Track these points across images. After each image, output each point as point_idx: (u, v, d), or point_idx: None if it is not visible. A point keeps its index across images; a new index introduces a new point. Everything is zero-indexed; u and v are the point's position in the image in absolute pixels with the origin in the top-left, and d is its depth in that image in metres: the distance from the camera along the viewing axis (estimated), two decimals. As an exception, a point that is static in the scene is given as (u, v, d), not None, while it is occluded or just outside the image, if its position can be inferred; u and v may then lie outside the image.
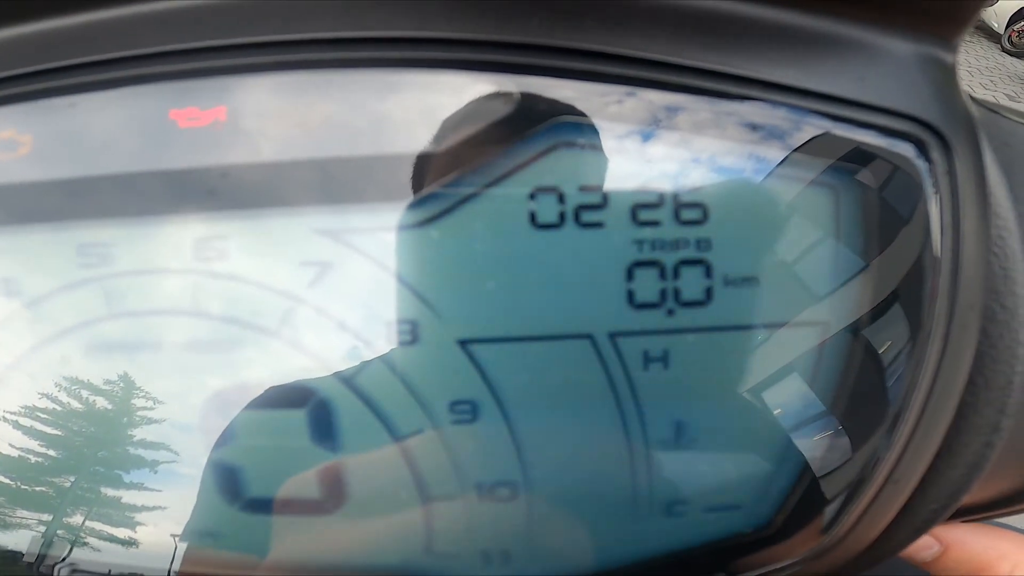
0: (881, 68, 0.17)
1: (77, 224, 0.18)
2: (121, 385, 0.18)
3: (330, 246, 0.17)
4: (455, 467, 0.18)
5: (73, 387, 0.18)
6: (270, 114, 0.17)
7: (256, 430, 0.18)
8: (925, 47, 0.17)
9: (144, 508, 0.19)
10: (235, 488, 0.19)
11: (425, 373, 0.17)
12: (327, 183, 0.17)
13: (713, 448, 0.18)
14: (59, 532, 0.19)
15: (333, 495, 0.18)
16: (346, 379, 0.17)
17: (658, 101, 0.17)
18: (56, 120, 0.17)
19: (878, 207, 0.18)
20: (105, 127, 0.17)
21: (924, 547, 0.24)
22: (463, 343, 0.17)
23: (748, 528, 0.19)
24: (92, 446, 0.19)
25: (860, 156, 0.17)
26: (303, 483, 0.18)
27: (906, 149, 0.17)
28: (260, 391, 0.18)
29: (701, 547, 0.19)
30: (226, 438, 0.18)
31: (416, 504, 0.18)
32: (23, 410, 0.19)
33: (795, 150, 0.17)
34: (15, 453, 0.19)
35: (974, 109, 0.19)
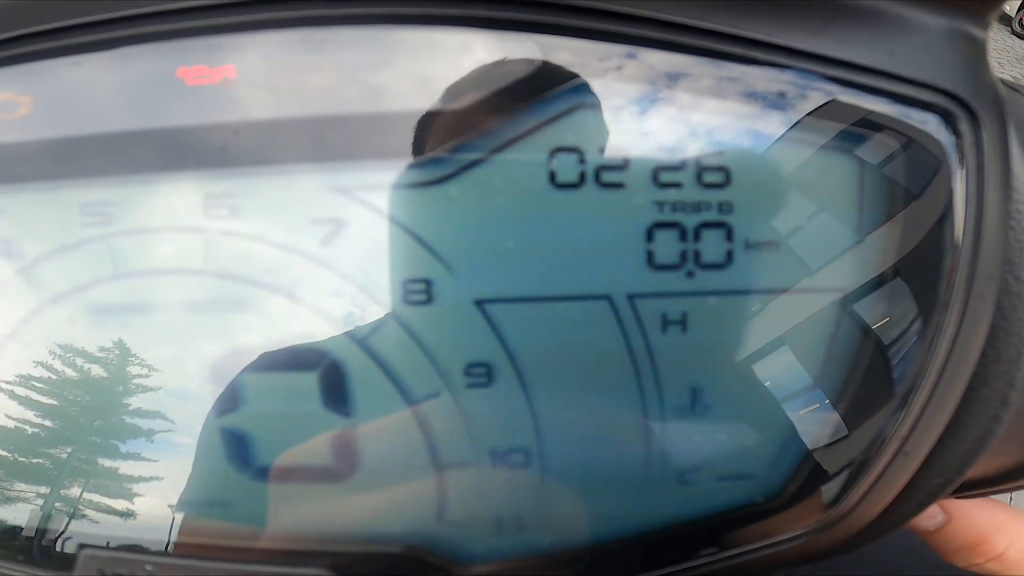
0: (912, 41, 0.17)
1: (80, 183, 0.17)
2: (119, 351, 0.18)
3: (343, 203, 0.17)
4: (469, 432, 0.18)
5: (69, 354, 0.18)
6: (282, 70, 0.17)
7: (265, 394, 0.18)
8: (956, 22, 0.17)
9: (142, 479, 0.19)
10: (243, 455, 0.18)
11: (440, 334, 0.17)
12: (341, 139, 0.17)
13: (727, 416, 0.18)
14: (57, 505, 0.19)
15: (344, 462, 0.18)
16: (359, 340, 0.17)
17: (683, 65, 0.17)
18: (58, 80, 0.17)
19: (903, 177, 0.17)
20: (110, 86, 0.17)
21: (929, 516, 0.24)
22: (479, 303, 0.17)
23: (759, 498, 0.19)
24: (89, 415, 0.18)
25: (886, 127, 0.17)
26: (314, 449, 0.18)
27: (934, 121, 0.17)
28: (271, 352, 0.17)
29: (711, 516, 0.19)
30: (234, 403, 0.18)
31: (429, 471, 0.18)
32: (21, 378, 0.18)
33: (820, 118, 0.17)
34: (11, 424, 0.19)
35: (999, 84, 0.19)
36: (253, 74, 0.17)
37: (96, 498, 0.19)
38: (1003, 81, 0.22)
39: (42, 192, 0.18)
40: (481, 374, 0.17)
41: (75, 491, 0.19)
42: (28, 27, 0.17)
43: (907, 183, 0.17)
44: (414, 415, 0.17)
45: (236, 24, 0.16)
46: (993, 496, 0.26)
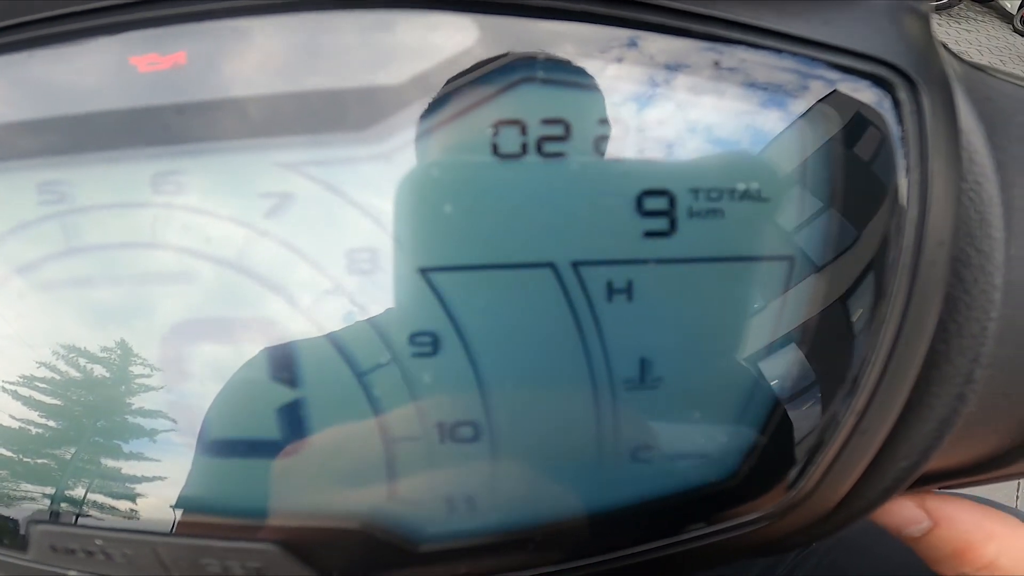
0: (849, 12, 0.17)
1: (37, 163, 0.18)
2: (73, 321, 0.18)
3: (290, 178, 0.17)
4: (416, 405, 0.18)
5: (28, 324, 0.18)
6: (229, 55, 0.17)
7: (212, 366, 0.18)
8: None
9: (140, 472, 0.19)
10: (200, 431, 0.18)
11: (385, 303, 0.17)
12: (288, 117, 0.17)
13: (679, 391, 0.18)
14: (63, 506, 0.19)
15: (294, 436, 0.18)
16: (305, 310, 0.17)
17: (620, 36, 0.17)
18: (16, 71, 0.18)
19: (842, 147, 0.17)
20: (65, 76, 0.18)
21: (913, 521, 0.23)
22: (423, 271, 0.17)
23: (714, 478, 0.19)
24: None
25: (824, 98, 0.17)
26: (263, 422, 0.18)
27: (872, 90, 0.17)
28: (217, 324, 0.18)
29: (667, 497, 0.19)
30: (181, 375, 0.18)
31: (378, 445, 0.18)
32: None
33: (755, 88, 0.17)
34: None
35: (951, 59, 0.19)
36: (203, 59, 0.17)
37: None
38: (969, 61, 0.22)
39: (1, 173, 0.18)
40: (426, 343, 0.17)
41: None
42: None
43: (848, 155, 0.17)
44: (361, 387, 0.17)
45: (186, 15, 0.17)
46: (996, 496, 0.24)
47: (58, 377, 0.19)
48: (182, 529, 0.19)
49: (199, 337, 0.17)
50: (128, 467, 0.19)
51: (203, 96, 0.17)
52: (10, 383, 0.19)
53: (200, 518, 0.19)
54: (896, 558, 0.39)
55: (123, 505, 0.19)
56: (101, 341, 0.18)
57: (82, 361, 0.18)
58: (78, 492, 0.19)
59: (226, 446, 0.18)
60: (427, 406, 0.18)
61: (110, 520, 0.19)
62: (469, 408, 0.18)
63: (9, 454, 0.19)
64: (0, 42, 0.17)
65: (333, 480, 0.18)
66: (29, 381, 0.19)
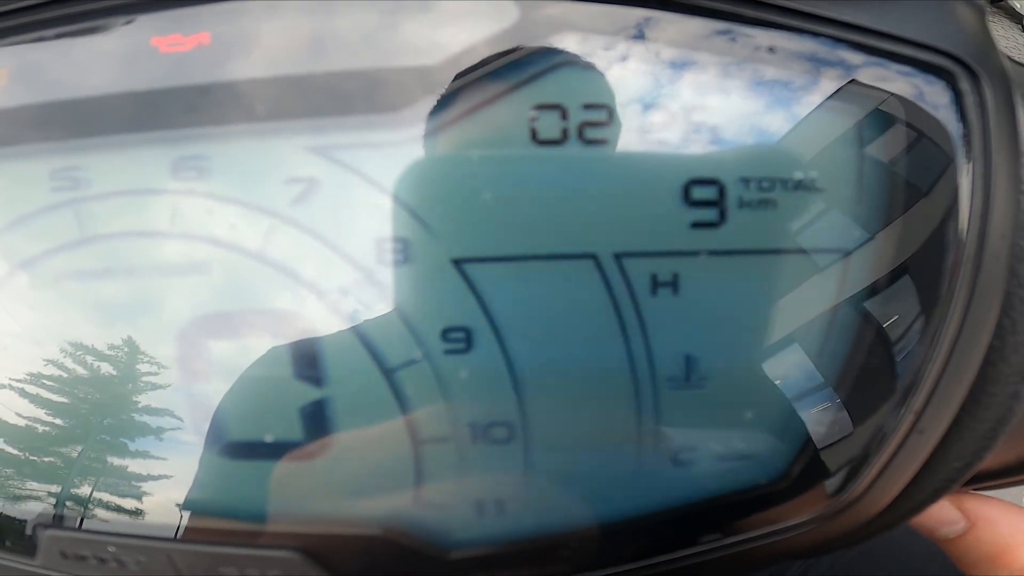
0: (909, 4, 0.16)
1: (50, 148, 0.17)
2: (87, 313, 0.17)
3: (318, 162, 0.16)
4: (447, 404, 0.17)
5: (42, 315, 0.17)
6: (256, 34, 0.16)
7: (232, 362, 0.17)
8: None
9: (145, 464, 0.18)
10: (208, 429, 0.17)
11: (416, 296, 0.16)
12: (316, 99, 0.16)
13: (725, 389, 0.17)
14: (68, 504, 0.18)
15: (316, 437, 0.17)
16: (332, 304, 0.16)
17: (668, 19, 0.16)
18: (34, 53, 0.17)
19: (902, 139, 0.17)
20: (82, 57, 0.17)
21: (950, 522, 0.22)
22: (457, 263, 0.16)
23: (761, 481, 0.18)
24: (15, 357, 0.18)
25: (884, 88, 0.16)
26: (286, 422, 0.17)
27: (933, 82, 0.16)
28: (238, 318, 0.17)
29: (711, 500, 0.18)
30: (201, 372, 0.17)
31: (405, 446, 0.17)
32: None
33: (812, 76, 0.16)
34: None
35: (1004, 56, 0.18)
36: (228, 38, 0.16)
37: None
38: (1011, 58, 0.21)
39: (13, 159, 0.17)
40: (459, 339, 0.16)
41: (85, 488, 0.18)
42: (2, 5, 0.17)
43: (910, 144, 0.16)
44: (390, 385, 0.17)
45: None
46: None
47: (66, 374, 0.18)
48: (197, 535, 0.18)
49: (220, 332, 0.17)
50: (135, 465, 0.18)
51: (227, 77, 0.16)
52: (17, 380, 0.18)
53: (216, 523, 0.18)
54: (913, 561, 0.38)
55: (130, 504, 0.18)
56: (115, 336, 0.17)
57: (90, 359, 0.18)
58: (84, 490, 0.18)
59: (245, 448, 0.17)
60: (459, 406, 0.17)
61: (119, 522, 0.18)
62: (503, 408, 0.17)
63: (15, 452, 0.18)
64: (14, 23, 0.17)
65: (357, 483, 0.17)
66: (36, 378, 0.18)
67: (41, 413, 0.18)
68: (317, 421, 0.17)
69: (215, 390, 0.17)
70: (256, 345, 0.17)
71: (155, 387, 0.17)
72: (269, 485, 0.17)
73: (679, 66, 0.16)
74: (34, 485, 0.18)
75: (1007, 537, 0.22)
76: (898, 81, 0.16)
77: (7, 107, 0.17)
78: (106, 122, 0.17)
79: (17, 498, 0.18)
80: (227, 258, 0.16)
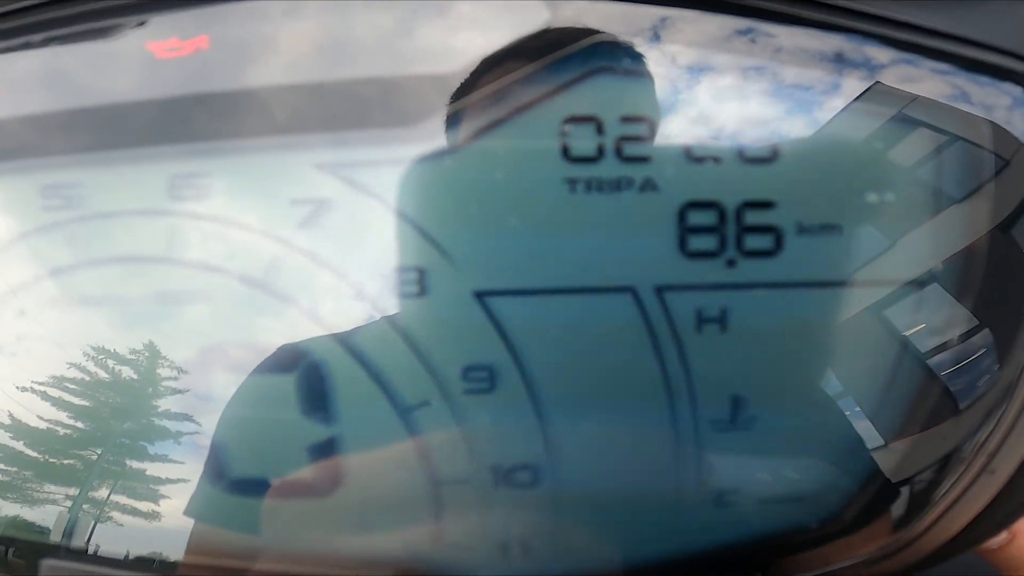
0: (980, 9, 0.15)
1: (42, 164, 0.16)
2: (76, 339, 0.16)
3: (327, 182, 0.15)
4: (468, 446, 0.15)
5: (24, 337, 0.16)
6: (258, 40, 0.15)
7: (238, 398, 0.16)
8: None
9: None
10: (216, 466, 0.16)
11: (435, 332, 0.15)
12: (326, 111, 0.15)
13: (774, 430, 0.16)
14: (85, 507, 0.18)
15: (327, 476, 0.16)
16: (342, 338, 0.15)
17: (718, 23, 0.14)
18: (20, 61, 0.16)
19: (977, 147, 0.15)
20: (76, 64, 0.16)
21: None
22: (480, 295, 0.14)
23: (811, 523, 0.16)
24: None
25: (959, 95, 0.14)
26: (293, 461, 0.16)
27: (1011, 89, 0.14)
28: (242, 352, 0.15)
29: (751, 543, 0.17)
30: (204, 407, 0.16)
31: (423, 488, 0.16)
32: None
33: (882, 85, 0.14)
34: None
35: None
36: (229, 44, 0.15)
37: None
38: None
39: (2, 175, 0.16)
40: (482, 378, 0.15)
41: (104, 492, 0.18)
42: None
43: (983, 155, 0.15)
44: (405, 425, 0.15)
45: None
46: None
47: (87, 379, 0.17)
48: (197, 571, 0.17)
49: (216, 371, 0.15)
50: (153, 469, 0.17)
51: (229, 86, 0.15)
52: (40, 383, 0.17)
53: (219, 561, 0.17)
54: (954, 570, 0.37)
55: (146, 507, 0.17)
56: (136, 343, 0.16)
57: (111, 362, 0.17)
58: (102, 494, 0.17)
59: (248, 485, 0.16)
60: (480, 447, 0.15)
61: (124, 545, 0.17)
62: (528, 450, 0.15)
63: (35, 455, 0.18)
64: (12, 25, 0.16)
65: (374, 525, 0.16)
66: (59, 381, 0.17)
67: (63, 416, 0.17)
68: (326, 460, 0.16)
69: (222, 427, 0.16)
70: (261, 384, 0.15)
71: (167, 405, 0.16)
72: (281, 525, 0.16)
73: (733, 74, 0.14)
74: (52, 488, 0.18)
75: None
76: (972, 89, 0.15)
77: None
78: (100, 135, 0.15)
79: (36, 501, 0.18)
80: (229, 287, 0.15)
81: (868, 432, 0.16)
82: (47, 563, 0.18)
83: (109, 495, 0.17)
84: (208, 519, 0.17)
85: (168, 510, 0.17)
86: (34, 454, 0.18)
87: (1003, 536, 0.22)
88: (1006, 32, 0.15)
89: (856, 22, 0.14)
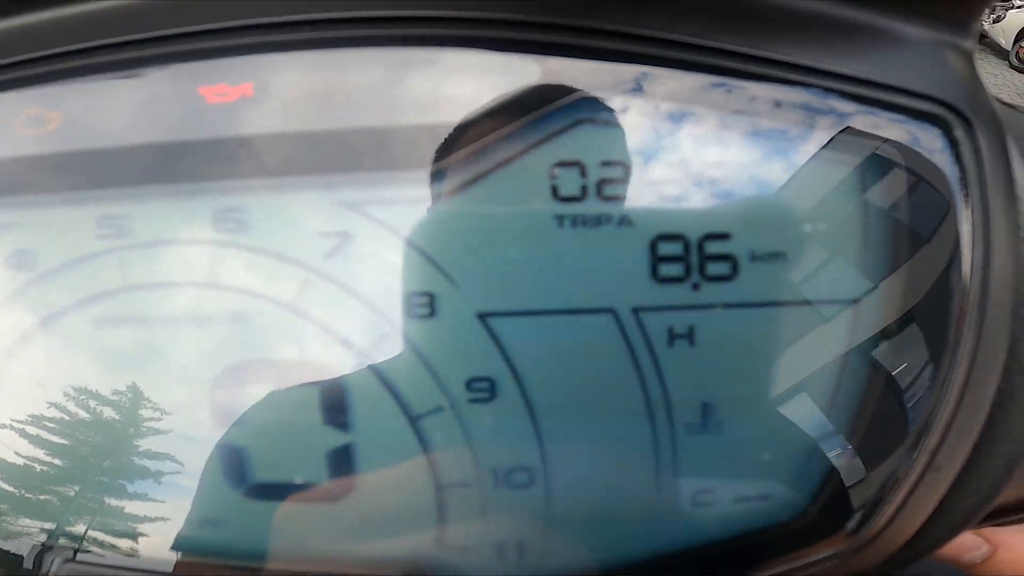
0: (900, 53, 0.17)
1: (97, 196, 0.17)
2: (125, 361, 0.18)
3: (350, 217, 0.17)
4: (471, 450, 0.17)
5: (83, 360, 0.18)
6: (295, 88, 0.17)
7: (265, 408, 0.17)
8: (941, 33, 0.17)
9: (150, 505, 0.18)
10: (240, 472, 0.18)
11: (442, 348, 0.17)
12: (350, 155, 0.17)
13: (742, 433, 0.18)
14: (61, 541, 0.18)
15: (342, 480, 0.18)
16: (361, 353, 0.17)
17: (680, 81, 0.17)
18: (84, 98, 0.17)
19: (902, 188, 0.17)
20: (134, 104, 0.17)
21: (972, 548, 0.23)
22: (482, 316, 0.17)
23: (780, 520, 0.18)
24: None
25: (880, 135, 0.17)
26: (312, 466, 0.18)
27: (927, 130, 0.17)
28: (272, 366, 0.17)
29: (729, 540, 0.18)
30: (233, 416, 0.18)
31: (429, 491, 0.18)
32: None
33: (812, 129, 0.17)
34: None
35: (993, 99, 0.19)
36: (270, 92, 0.17)
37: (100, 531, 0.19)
38: (1002, 101, 0.22)
39: (61, 206, 0.18)
40: (483, 389, 0.17)
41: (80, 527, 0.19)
42: (57, 47, 0.17)
43: (910, 193, 0.17)
44: (415, 431, 0.17)
45: (257, 45, 0.17)
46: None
47: (69, 417, 0.18)
48: (200, 570, 0.18)
49: (251, 379, 0.17)
50: (132, 507, 0.18)
51: (267, 129, 0.17)
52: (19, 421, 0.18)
53: (242, 564, 0.18)
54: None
55: (125, 544, 0.18)
56: (153, 375, 0.18)
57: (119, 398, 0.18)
58: (79, 529, 0.18)
59: (271, 489, 0.18)
60: (482, 451, 0.17)
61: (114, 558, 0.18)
62: (525, 454, 0.17)
63: (11, 489, 0.19)
64: (67, 66, 0.17)
65: (379, 526, 0.18)
66: (38, 420, 0.18)
67: (40, 453, 0.18)
68: (343, 465, 0.17)
69: (246, 437, 0.18)
70: (286, 393, 0.17)
71: (157, 432, 0.17)
72: (295, 527, 0.18)
73: (690, 123, 0.17)
74: (27, 522, 0.19)
75: None
76: (893, 128, 0.17)
77: (59, 151, 0.17)
78: (153, 171, 0.17)
79: (10, 535, 0.19)
80: (265, 309, 0.17)
81: (824, 433, 0.18)
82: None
83: (86, 531, 0.18)
84: (215, 525, 0.18)
85: (147, 547, 0.18)
86: (9, 488, 0.18)
87: (983, 550, 0.23)
88: (913, 76, 0.17)
89: (784, 72, 0.17)
